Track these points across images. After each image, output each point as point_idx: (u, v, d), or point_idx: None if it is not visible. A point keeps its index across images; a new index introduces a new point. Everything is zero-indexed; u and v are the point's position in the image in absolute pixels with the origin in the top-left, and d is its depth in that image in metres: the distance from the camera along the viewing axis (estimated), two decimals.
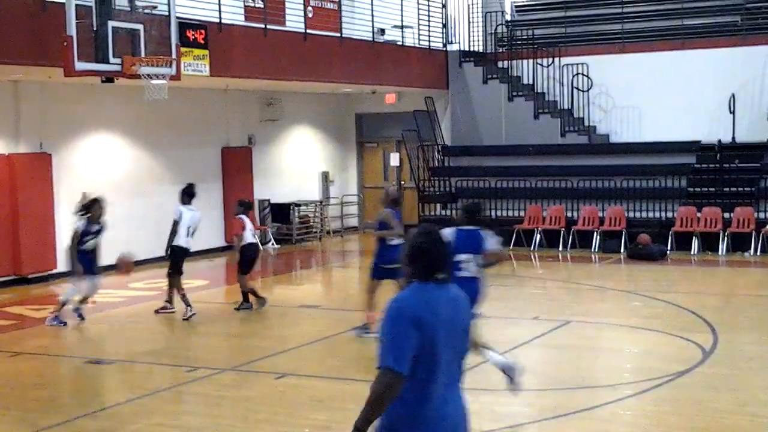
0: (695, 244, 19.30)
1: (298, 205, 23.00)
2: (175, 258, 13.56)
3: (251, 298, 13.93)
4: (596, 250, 19.88)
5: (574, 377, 10.23)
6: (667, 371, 9.82)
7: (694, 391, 9.30)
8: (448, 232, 8.91)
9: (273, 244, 22.08)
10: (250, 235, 13.90)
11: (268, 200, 22.54)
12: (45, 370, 11.06)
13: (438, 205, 23.13)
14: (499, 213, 21.61)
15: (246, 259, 13.88)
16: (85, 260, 12.85)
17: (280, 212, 22.59)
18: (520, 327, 12.69)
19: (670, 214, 19.96)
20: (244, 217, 13.91)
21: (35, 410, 9.18)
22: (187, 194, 13.84)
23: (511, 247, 20.51)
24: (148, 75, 13.65)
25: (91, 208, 13.05)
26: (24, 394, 9.91)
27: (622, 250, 19.58)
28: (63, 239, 17.51)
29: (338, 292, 17.48)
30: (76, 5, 12.65)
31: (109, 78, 13.88)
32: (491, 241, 9.36)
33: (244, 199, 15.15)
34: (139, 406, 9.38)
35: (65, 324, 12.91)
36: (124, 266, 13.65)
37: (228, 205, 21.50)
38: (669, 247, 19.28)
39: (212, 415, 8.96)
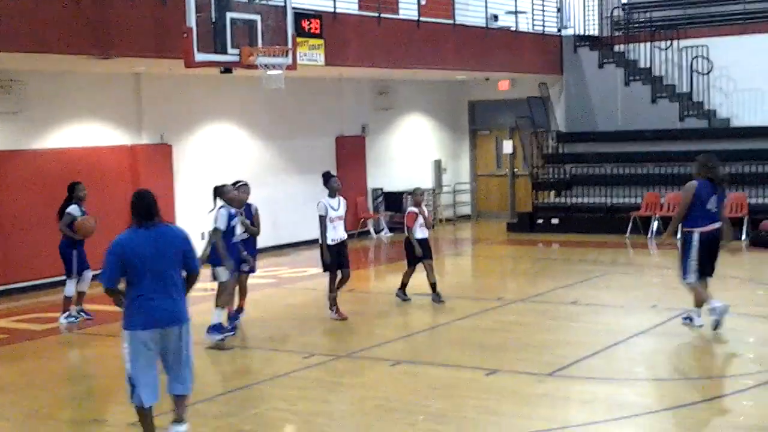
0: None
1: (410, 193, 23.02)
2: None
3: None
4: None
5: (694, 367, 10.02)
6: None
7: None
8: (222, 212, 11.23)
9: (386, 232, 22.22)
10: (415, 230, 13.60)
11: (381, 189, 22.68)
12: None
13: (552, 193, 22.88)
14: (615, 200, 21.27)
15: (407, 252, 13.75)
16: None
17: (393, 201, 22.69)
18: (639, 316, 12.48)
19: None
20: (413, 209, 13.70)
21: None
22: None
23: (627, 234, 20.19)
24: (265, 65, 13.84)
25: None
26: None
27: (743, 237, 19.05)
28: (183, 228, 17.97)
29: (452, 280, 17.46)
30: None
31: (227, 69, 14.14)
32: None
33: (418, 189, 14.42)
34: (257, 391, 9.58)
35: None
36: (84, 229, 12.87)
37: (343, 194, 21.65)
38: None
39: (328, 400, 9.08)
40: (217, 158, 18.87)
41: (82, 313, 13.07)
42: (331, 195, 12.54)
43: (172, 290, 7.27)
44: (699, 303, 11.38)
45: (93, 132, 16.88)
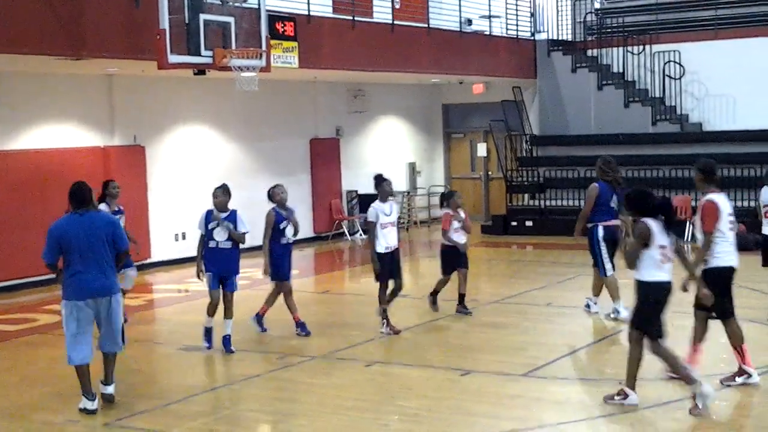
0: None
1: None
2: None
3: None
4: (689, 240, 19.50)
5: (668, 367, 10.04)
6: (764, 362, 9.60)
7: None
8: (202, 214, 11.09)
9: (360, 234, 22.21)
10: (451, 234, 12.57)
11: (356, 191, 22.68)
12: (141, 356, 11.30)
13: (526, 196, 22.97)
14: None
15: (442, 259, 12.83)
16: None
17: (368, 203, 22.49)
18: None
19: None
20: (449, 211, 12.68)
21: (132, 395, 9.39)
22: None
23: None
24: (239, 67, 13.81)
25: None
26: (121, 379, 10.12)
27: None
28: (157, 230, 17.91)
29: (426, 281, 17.45)
30: None
31: (200, 70, 14.08)
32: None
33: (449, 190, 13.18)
34: (232, 392, 9.55)
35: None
36: None
37: (316, 196, 21.71)
38: None
39: (303, 401, 9.07)
40: (191, 160, 18.81)
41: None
42: (383, 199, 11.74)
43: (102, 266, 8.55)
44: (615, 295, 12.13)
45: (65, 133, 16.77)
